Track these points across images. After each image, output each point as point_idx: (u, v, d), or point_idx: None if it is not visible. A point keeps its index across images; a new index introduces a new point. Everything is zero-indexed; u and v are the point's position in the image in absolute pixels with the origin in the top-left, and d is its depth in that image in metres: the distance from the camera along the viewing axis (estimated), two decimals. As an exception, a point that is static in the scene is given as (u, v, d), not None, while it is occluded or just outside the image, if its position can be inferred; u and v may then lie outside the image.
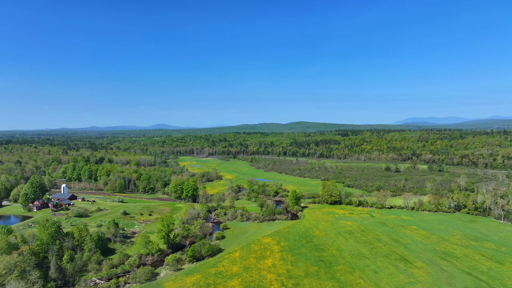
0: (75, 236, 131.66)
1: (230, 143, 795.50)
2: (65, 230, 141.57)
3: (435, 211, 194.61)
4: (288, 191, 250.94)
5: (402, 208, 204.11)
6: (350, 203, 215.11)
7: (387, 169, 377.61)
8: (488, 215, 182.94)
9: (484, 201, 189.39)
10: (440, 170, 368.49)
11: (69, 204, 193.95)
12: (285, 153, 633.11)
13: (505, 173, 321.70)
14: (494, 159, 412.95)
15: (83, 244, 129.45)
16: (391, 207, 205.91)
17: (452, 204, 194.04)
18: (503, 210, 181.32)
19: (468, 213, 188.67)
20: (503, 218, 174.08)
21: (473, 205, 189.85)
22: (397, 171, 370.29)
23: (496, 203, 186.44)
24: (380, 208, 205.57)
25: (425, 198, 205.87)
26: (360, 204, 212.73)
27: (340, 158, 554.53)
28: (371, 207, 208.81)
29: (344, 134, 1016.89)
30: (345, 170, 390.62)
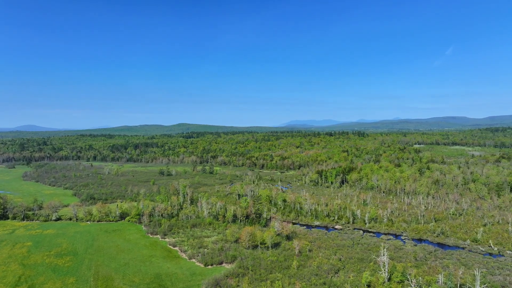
0: None
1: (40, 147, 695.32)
2: None
3: (99, 221, 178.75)
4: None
5: (70, 219, 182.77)
6: (14, 218, 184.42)
7: (161, 172, 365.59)
8: (141, 222, 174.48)
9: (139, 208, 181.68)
10: (211, 173, 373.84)
11: None
12: (94, 158, 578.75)
13: (255, 173, 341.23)
14: (271, 160, 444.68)
15: None
16: (58, 218, 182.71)
17: (117, 213, 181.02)
18: (150, 215, 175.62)
19: (129, 221, 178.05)
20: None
21: (135, 213, 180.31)
22: (169, 174, 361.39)
23: (154, 208, 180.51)
24: (45, 221, 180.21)
25: (95, 208, 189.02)
26: (26, 218, 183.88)
27: (148, 162, 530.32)
28: (37, 220, 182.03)
29: (189, 136, 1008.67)
30: (121, 174, 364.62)
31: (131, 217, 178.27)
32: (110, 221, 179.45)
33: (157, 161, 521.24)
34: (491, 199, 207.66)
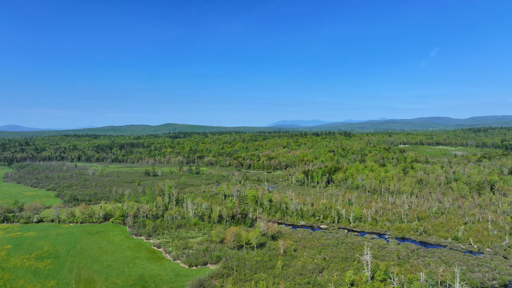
0: None
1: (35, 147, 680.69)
2: None
3: (82, 223, 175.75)
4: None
5: (52, 221, 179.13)
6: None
7: (147, 173, 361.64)
8: (125, 223, 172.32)
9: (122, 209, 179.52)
10: (197, 173, 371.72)
11: None
12: (79, 158, 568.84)
13: (241, 173, 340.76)
14: (258, 160, 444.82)
15: None
16: (40, 220, 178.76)
17: (101, 214, 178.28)
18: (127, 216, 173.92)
19: (113, 222, 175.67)
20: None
21: (120, 214, 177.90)
22: (155, 175, 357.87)
23: (138, 209, 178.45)
24: (26, 223, 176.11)
25: (78, 209, 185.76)
26: (6, 220, 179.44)
27: (133, 162, 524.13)
28: (17, 223, 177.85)
29: (175, 136, 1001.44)
30: (105, 175, 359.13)
31: (115, 219, 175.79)
32: (93, 222, 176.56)
33: (143, 161, 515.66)
34: (472, 198, 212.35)
